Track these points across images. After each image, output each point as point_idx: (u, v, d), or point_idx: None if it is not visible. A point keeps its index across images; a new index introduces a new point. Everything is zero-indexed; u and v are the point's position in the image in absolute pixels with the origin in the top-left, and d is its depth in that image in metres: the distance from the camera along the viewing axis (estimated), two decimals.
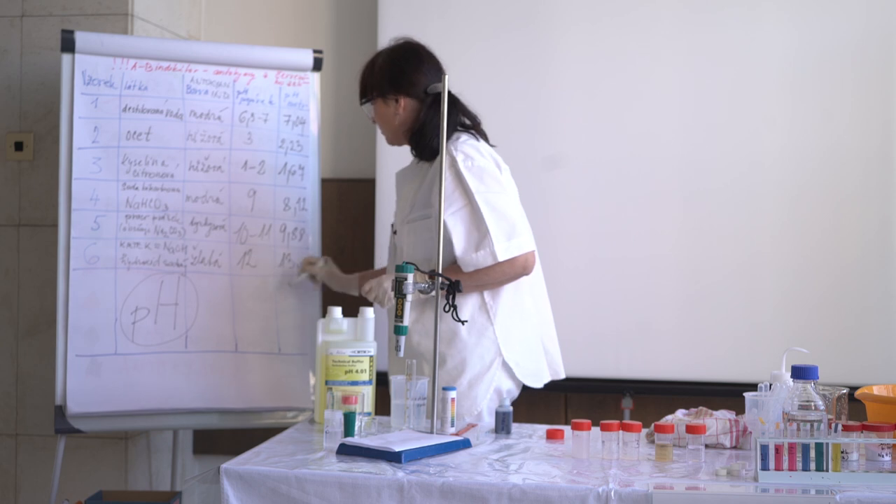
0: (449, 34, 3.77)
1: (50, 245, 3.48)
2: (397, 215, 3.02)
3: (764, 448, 2.08)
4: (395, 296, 2.54)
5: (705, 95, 3.66)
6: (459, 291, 2.57)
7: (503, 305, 2.83)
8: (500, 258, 2.74)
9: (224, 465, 2.17)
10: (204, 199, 3.41)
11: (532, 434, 2.59)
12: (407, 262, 2.56)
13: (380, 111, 2.95)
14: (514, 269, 2.78)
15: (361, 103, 2.99)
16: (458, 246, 2.75)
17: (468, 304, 2.81)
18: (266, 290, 3.42)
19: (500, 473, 2.16)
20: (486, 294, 2.82)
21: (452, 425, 2.54)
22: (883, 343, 3.55)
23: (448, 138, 2.78)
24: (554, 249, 3.69)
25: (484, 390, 2.79)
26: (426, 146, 2.87)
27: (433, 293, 2.57)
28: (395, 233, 3.00)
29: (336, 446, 2.32)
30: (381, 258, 3.74)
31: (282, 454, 2.30)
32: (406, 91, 2.90)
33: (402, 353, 2.55)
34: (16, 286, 3.66)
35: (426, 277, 2.63)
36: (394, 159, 3.78)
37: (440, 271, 2.59)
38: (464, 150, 2.81)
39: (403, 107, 2.91)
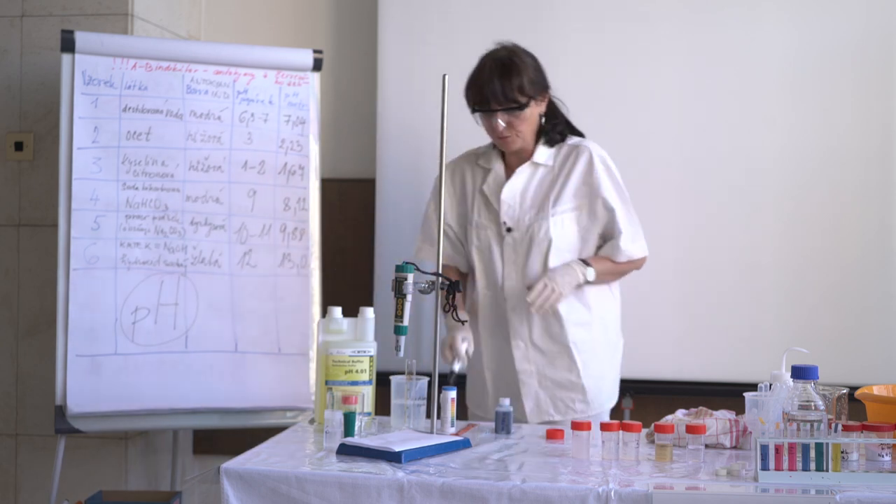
0: (449, 34, 3.76)
1: (50, 245, 3.48)
2: (513, 214, 2.98)
3: (764, 448, 2.08)
4: (395, 296, 2.54)
5: (705, 95, 3.66)
6: (459, 291, 2.58)
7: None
8: (646, 253, 3.06)
9: (224, 465, 2.17)
10: (204, 199, 3.41)
11: (532, 434, 2.59)
12: (407, 262, 2.56)
13: (530, 115, 2.95)
14: (638, 266, 3.08)
15: (515, 109, 2.92)
16: (624, 235, 2.96)
17: (605, 299, 3.04)
18: (266, 290, 3.42)
19: (500, 473, 2.16)
20: (614, 291, 3.09)
21: (452, 425, 2.55)
22: (883, 343, 3.55)
23: (563, 139, 3.03)
24: None
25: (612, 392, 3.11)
26: (557, 135, 3.03)
27: (433, 293, 2.57)
28: (509, 230, 2.97)
29: (336, 446, 2.32)
30: (382, 258, 3.74)
31: (282, 454, 2.30)
32: (546, 90, 3.01)
33: (402, 353, 2.55)
34: (16, 286, 3.66)
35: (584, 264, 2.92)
36: (394, 159, 3.79)
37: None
38: (599, 152, 3.02)
39: (545, 106, 3.01)
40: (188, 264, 3.39)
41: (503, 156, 3.05)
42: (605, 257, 2.99)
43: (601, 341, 3.04)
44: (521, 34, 3.72)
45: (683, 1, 3.68)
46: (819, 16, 3.62)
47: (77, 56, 3.31)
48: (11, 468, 3.68)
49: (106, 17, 3.61)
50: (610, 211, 2.97)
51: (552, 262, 2.93)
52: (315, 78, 3.58)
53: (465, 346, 2.89)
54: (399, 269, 2.54)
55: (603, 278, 2.99)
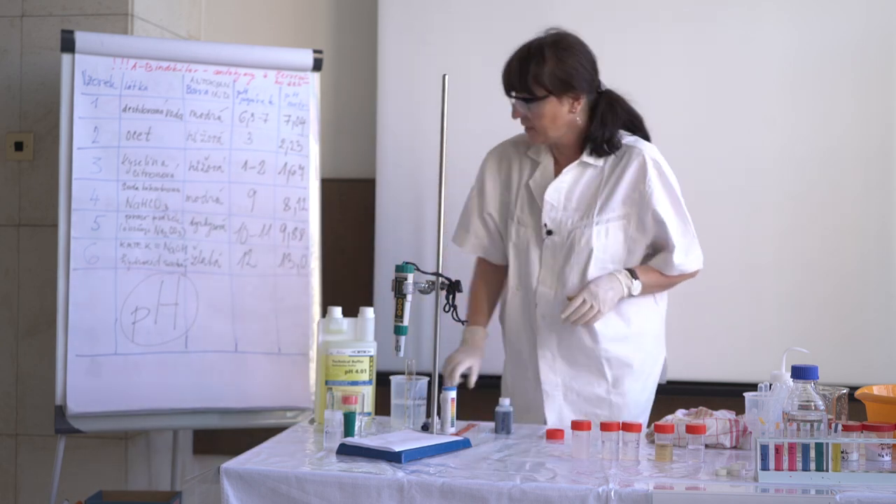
0: (449, 34, 3.76)
1: (50, 245, 3.48)
2: (556, 216, 2.81)
3: (764, 448, 2.08)
4: (395, 296, 2.54)
5: (705, 96, 3.66)
6: (460, 291, 2.57)
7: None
8: (701, 266, 2.93)
9: (224, 465, 2.17)
10: (204, 199, 3.41)
11: (532, 434, 2.59)
12: (407, 262, 2.56)
13: (550, 111, 2.75)
14: (692, 276, 2.94)
15: (525, 99, 2.76)
16: (677, 249, 2.82)
17: (648, 312, 2.89)
18: (266, 290, 3.42)
19: (500, 473, 2.16)
20: (660, 304, 2.94)
21: (452, 425, 2.55)
22: (883, 343, 3.55)
23: (611, 149, 2.82)
24: None
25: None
26: (604, 142, 2.81)
27: (433, 293, 2.57)
28: (549, 233, 2.80)
29: (336, 446, 2.32)
30: (382, 257, 3.73)
31: (282, 454, 2.30)
32: (575, 90, 2.78)
33: (402, 353, 2.55)
34: (16, 286, 3.66)
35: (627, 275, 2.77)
36: (394, 159, 3.79)
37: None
38: (654, 155, 2.83)
39: (580, 105, 2.79)
40: (188, 264, 3.38)
41: (552, 149, 2.88)
42: (654, 269, 2.82)
43: (638, 357, 2.86)
44: (521, 34, 3.72)
45: (683, 1, 3.68)
46: (819, 16, 3.62)
47: (77, 56, 3.31)
48: (11, 468, 3.68)
49: (106, 17, 3.61)
50: (661, 223, 2.79)
51: (591, 273, 2.76)
52: (315, 78, 3.58)
53: (460, 371, 2.76)
54: (399, 269, 2.54)
55: (649, 290, 2.83)
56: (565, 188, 2.82)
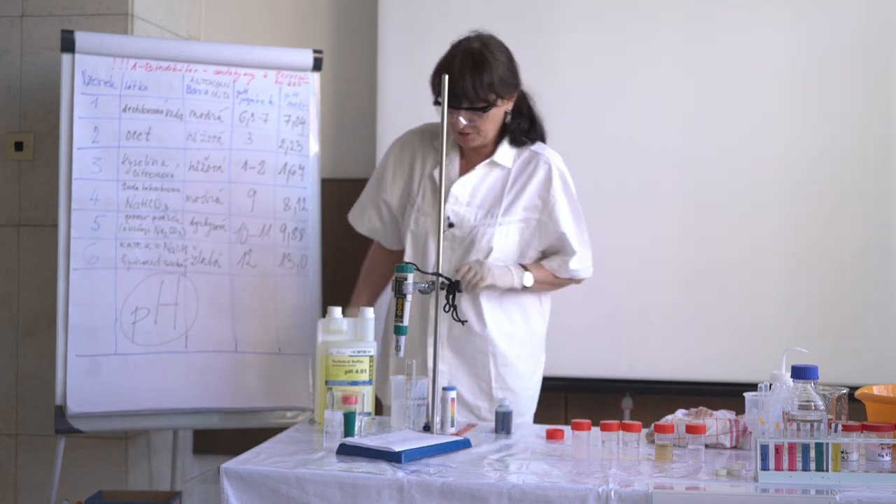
0: (449, 35, 3.73)
1: (50, 245, 3.48)
2: (459, 210, 2.86)
3: (764, 448, 2.08)
4: (395, 296, 2.54)
5: (705, 95, 3.66)
6: (460, 292, 2.57)
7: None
8: (591, 274, 3.00)
9: (224, 465, 2.17)
10: (204, 199, 3.41)
11: (532, 434, 2.59)
12: (407, 262, 2.56)
13: (495, 114, 2.80)
14: (578, 282, 3.02)
15: (481, 109, 2.77)
16: (576, 256, 2.91)
17: (534, 312, 2.96)
18: (266, 290, 3.42)
19: (500, 473, 2.16)
20: (544, 305, 3.01)
21: (452, 425, 2.55)
22: (883, 343, 3.55)
23: (528, 140, 2.89)
24: None
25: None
26: (522, 133, 2.90)
27: (433, 293, 2.57)
28: (451, 226, 2.85)
29: (336, 446, 2.32)
30: None
31: (282, 454, 2.30)
32: (517, 88, 2.86)
33: (401, 354, 2.55)
34: (16, 286, 3.66)
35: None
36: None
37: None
38: (559, 165, 2.92)
39: (511, 105, 2.86)
40: (188, 264, 3.38)
41: (458, 145, 2.92)
42: (546, 268, 2.91)
43: (522, 356, 2.94)
44: (521, 34, 3.73)
45: (684, 1, 3.68)
46: (819, 16, 3.62)
47: (77, 56, 3.31)
48: (11, 468, 3.68)
49: (106, 17, 3.61)
50: (562, 232, 2.88)
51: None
52: (315, 78, 3.58)
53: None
54: (399, 269, 2.54)
55: (538, 287, 2.91)
56: (472, 184, 2.88)
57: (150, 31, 3.73)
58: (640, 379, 3.67)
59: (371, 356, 2.67)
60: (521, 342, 2.93)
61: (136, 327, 3.31)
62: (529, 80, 3.70)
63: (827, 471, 2.07)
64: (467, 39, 2.84)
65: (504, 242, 2.86)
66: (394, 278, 2.54)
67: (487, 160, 2.88)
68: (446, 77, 2.66)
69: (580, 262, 2.92)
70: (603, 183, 3.68)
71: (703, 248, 3.65)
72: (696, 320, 3.63)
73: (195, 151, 3.41)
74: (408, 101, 3.75)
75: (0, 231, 3.67)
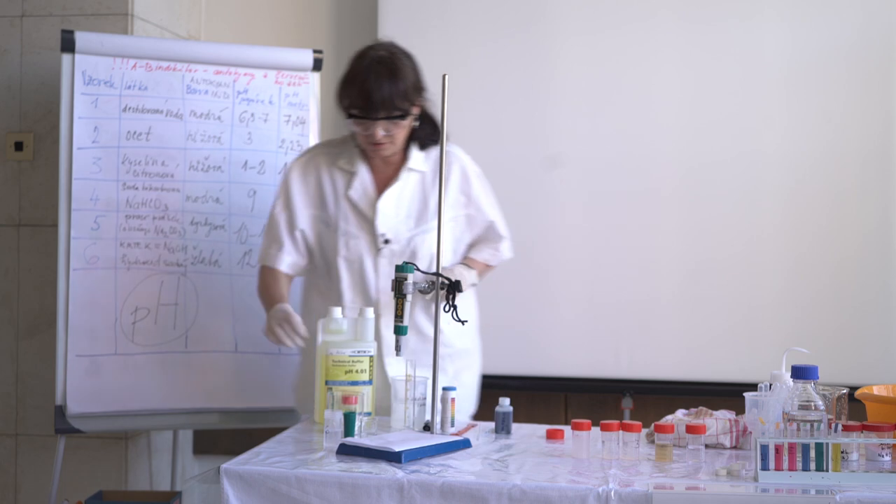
0: (449, 34, 3.77)
1: (50, 245, 3.48)
2: (392, 225, 2.80)
3: (764, 448, 2.08)
4: (395, 296, 2.53)
5: (704, 95, 3.66)
6: (460, 291, 2.57)
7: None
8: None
9: (224, 465, 2.17)
10: (204, 199, 3.42)
11: (532, 434, 2.59)
12: (407, 262, 2.56)
13: (406, 124, 2.75)
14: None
15: (399, 117, 2.71)
16: (505, 240, 2.93)
17: (471, 303, 2.94)
18: None
19: (500, 473, 2.16)
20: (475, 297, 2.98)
21: (452, 425, 2.55)
22: (883, 343, 3.56)
23: (434, 142, 2.82)
24: (554, 249, 3.70)
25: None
26: (428, 136, 2.83)
27: (432, 293, 2.57)
28: (387, 242, 2.79)
29: (336, 446, 2.31)
30: None
31: (282, 454, 2.30)
32: (425, 92, 2.80)
33: (401, 354, 2.55)
34: (16, 286, 3.66)
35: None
36: None
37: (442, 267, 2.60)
38: (468, 158, 2.90)
39: (419, 110, 2.80)
40: (188, 264, 3.39)
41: (364, 155, 2.83)
42: (477, 261, 2.90)
43: (472, 346, 2.96)
44: (521, 34, 3.74)
45: (683, 2, 3.68)
46: (818, 16, 3.62)
47: (77, 56, 3.31)
48: (11, 468, 3.68)
49: (106, 17, 3.62)
50: (490, 221, 2.89)
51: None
52: (315, 78, 3.58)
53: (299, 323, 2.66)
54: (399, 269, 2.54)
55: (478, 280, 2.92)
56: (397, 196, 2.81)
57: (150, 31, 3.73)
58: (640, 379, 3.67)
59: (371, 356, 2.67)
60: (468, 334, 2.92)
61: (136, 327, 3.31)
62: (528, 80, 3.72)
63: (827, 471, 2.07)
64: (371, 49, 2.75)
65: (441, 247, 2.75)
66: (394, 278, 2.54)
67: (405, 168, 2.81)
68: (446, 76, 2.66)
69: (508, 246, 2.94)
70: (602, 183, 3.69)
71: (702, 249, 3.65)
72: (696, 320, 3.63)
73: (195, 151, 3.42)
74: None
75: (0, 231, 3.67)
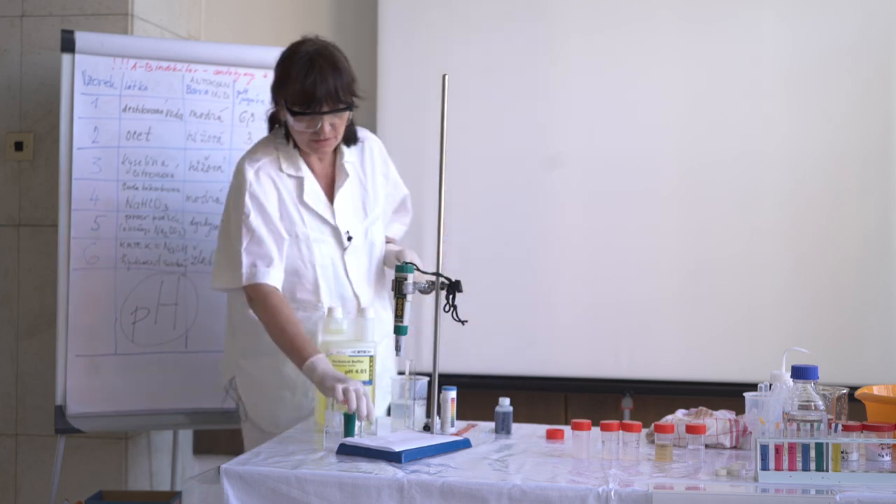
0: (449, 34, 3.77)
1: (50, 245, 3.48)
2: (350, 221, 2.77)
3: (764, 448, 2.08)
4: (395, 296, 2.53)
5: (704, 95, 3.66)
6: (460, 291, 2.57)
7: None
8: None
9: (224, 465, 2.17)
10: (204, 199, 3.42)
11: (532, 434, 2.59)
12: (407, 262, 2.56)
13: (345, 117, 2.71)
14: None
15: (332, 111, 2.65)
16: (410, 213, 3.01)
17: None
18: None
19: (500, 473, 2.16)
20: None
21: (452, 425, 2.55)
22: (883, 343, 3.55)
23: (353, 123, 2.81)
24: (554, 249, 3.70)
25: None
26: (351, 132, 2.80)
27: (433, 293, 2.57)
28: (350, 239, 2.76)
29: (336, 446, 2.31)
30: None
31: (282, 454, 2.30)
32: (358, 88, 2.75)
33: (401, 354, 2.55)
34: (16, 286, 3.66)
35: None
36: (394, 159, 3.77)
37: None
38: (374, 136, 2.95)
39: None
40: (188, 264, 3.39)
41: (302, 156, 2.76)
42: (391, 240, 2.95)
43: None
44: (521, 34, 3.74)
45: (683, 1, 3.68)
46: (818, 16, 3.62)
47: (77, 56, 3.31)
48: (11, 468, 3.68)
49: (106, 17, 3.61)
50: (406, 194, 2.96)
51: (380, 264, 2.86)
52: None
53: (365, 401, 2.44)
54: (399, 269, 2.54)
55: None
56: (349, 192, 2.79)
57: (150, 31, 3.73)
58: (640, 379, 3.67)
59: (371, 356, 2.67)
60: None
61: (136, 327, 3.31)
62: (529, 80, 3.73)
63: (827, 471, 2.07)
64: (301, 45, 2.68)
65: (383, 231, 2.89)
66: (394, 278, 2.54)
67: (343, 163, 2.78)
68: (446, 76, 2.66)
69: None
70: (602, 183, 3.69)
71: (703, 249, 3.65)
72: (696, 320, 3.63)
73: (195, 151, 3.42)
74: (408, 100, 3.75)
75: (0, 231, 3.67)
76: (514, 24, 3.74)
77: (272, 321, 2.62)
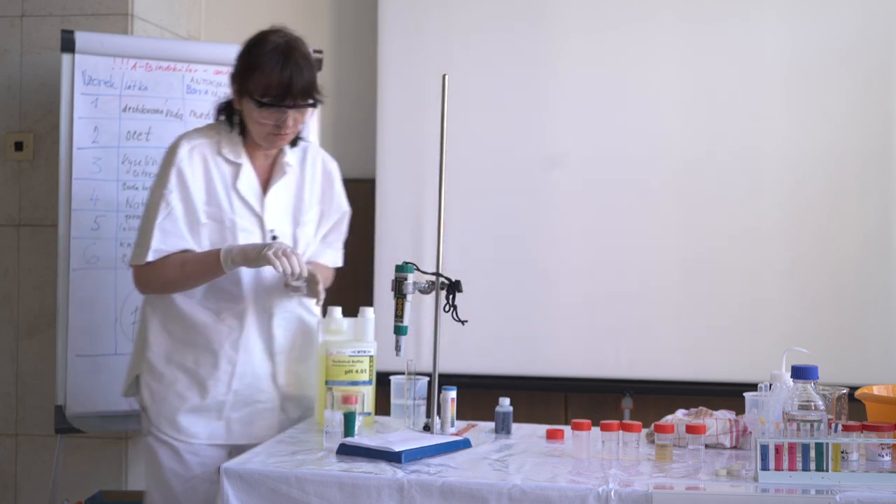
0: (449, 34, 3.77)
1: (50, 245, 3.48)
2: (278, 220, 2.65)
3: (764, 448, 2.08)
4: (395, 296, 2.53)
5: (705, 94, 3.66)
6: (460, 291, 2.57)
7: None
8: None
9: (224, 465, 2.17)
10: None
11: (532, 434, 2.59)
12: (407, 262, 2.56)
13: (307, 113, 2.62)
14: None
15: (303, 106, 2.57)
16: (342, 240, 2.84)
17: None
18: None
19: (500, 473, 2.16)
20: None
21: (452, 425, 2.55)
22: (883, 343, 3.56)
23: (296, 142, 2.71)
24: (554, 249, 3.70)
25: None
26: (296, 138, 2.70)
27: (433, 293, 2.57)
28: (274, 238, 2.63)
29: (336, 446, 2.31)
30: (382, 257, 3.74)
31: (282, 454, 2.30)
32: None
33: (401, 354, 2.55)
34: (16, 286, 3.66)
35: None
36: (394, 159, 3.79)
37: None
38: (322, 150, 2.82)
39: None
40: None
41: (246, 145, 2.64)
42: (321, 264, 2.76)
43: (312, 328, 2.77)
44: (521, 34, 3.74)
45: (683, 1, 3.68)
46: (818, 16, 3.63)
47: (77, 56, 3.31)
48: (11, 468, 3.68)
49: (106, 17, 3.61)
50: (345, 211, 2.79)
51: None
52: None
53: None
54: (399, 269, 2.54)
55: None
56: (282, 190, 2.68)
57: (150, 31, 3.73)
58: (640, 379, 3.67)
59: (371, 356, 2.67)
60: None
61: (136, 327, 3.31)
62: (528, 79, 3.72)
63: (827, 471, 2.07)
64: (272, 34, 2.63)
65: (310, 241, 2.74)
66: (394, 278, 2.53)
67: (284, 163, 2.67)
68: (446, 76, 2.66)
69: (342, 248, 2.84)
70: (602, 183, 3.69)
71: (703, 249, 3.65)
72: (696, 320, 3.64)
73: None
74: (408, 100, 3.76)
75: (0, 231, 3.67)
76: (514, 24, 3.74)
77: (173, 265, 2.53)
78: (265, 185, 2.67)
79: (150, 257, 2.52)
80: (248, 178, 2.63)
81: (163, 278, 2.56)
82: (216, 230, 2.59)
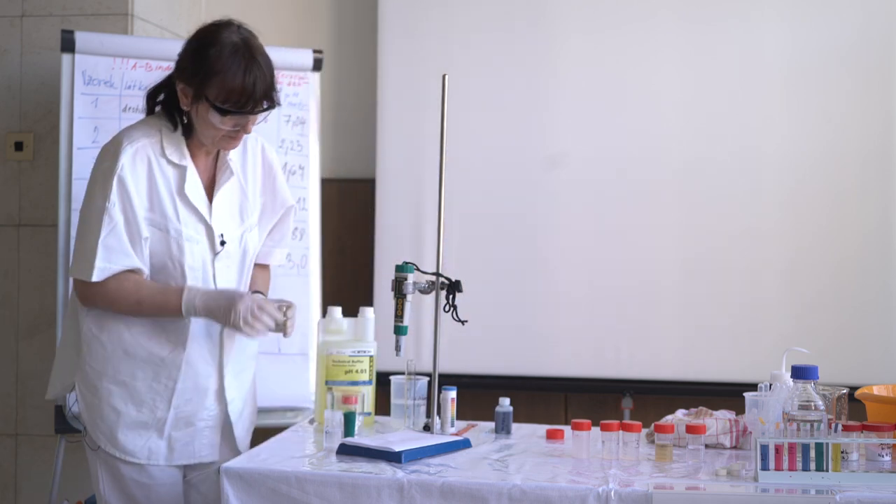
0: (449, 34, 3.77)
1: (50, 245, 3.48)
2: (226, 224, 2.51)
3: (764, 448, 2.08)
4: (395, 296, 2.53)
5: (705, 95, 3.66)
6: (460, 291, 2.57)
7: None
8: None
9: (224, 465, 2.17)
10: None
11: (532, 434, 2.59)
12: (407, 262, 2.56)
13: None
14: None
15: (265, 109, 2.43)
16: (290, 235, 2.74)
17: None
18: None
19: (500, 473, 2.16)
20: None
21: (452, 425, 2.55)
22: (883, 343, 3.56)
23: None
24: (554, 249, 3.70)
25: None
26: None
27: (433, 293, 2.57)
28: (223, 243, 2.49)
29: (336, 446, 2.32)
30: (382, 257, 3.73)
31: (282, 454, 2.30)
32: None
33: (401, 354, 2.55)
34: (16, 286, 3.66)
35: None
36: (394, 159, 3.79)
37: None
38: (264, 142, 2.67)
39: None
40: None
41: (189, 147, 2.48)
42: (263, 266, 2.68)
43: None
44: (521, 34, 3.74)
45: (683, 1, 3.68)
46: (818, 16, 3.63)
47: (77, 56, 3.31)
48: (11, 468, 3.68)
49: (106, 17, 3.61)
50: (289, 207, 2.65)
51: (248, 275, 2.58)
52: (315, 78, 3.58)
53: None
54: (399, 269, 2.54)
55: None
56: (229, 192, 2.53)
57: (150, 31, 3.73)
58: (640, 379, 3.67)
59: (371, 356, 2.67)
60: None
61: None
62: (528, 79, 3.72)
63: (827, 471, 2.07)
64: (224, 30, 2.47)
65: (258, 242, 2.62)
66: (394, 278, 2.53)
67: (228, 164, 2.52)
68: (446, 76, 2.66)
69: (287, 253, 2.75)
70: (602, 183, 3.69)
71: (703, 249, 3.65)
72: (696, 320, 3.64)
73: None
74: (408, 100, 3.76)
75: (0, 231, 3.67)
76: (513, 24, 3.74)
77: (126, 300, 2.40)
78: (209, 187, 2.51)
79: (96, 277, 2.36)
80: (195, 183, 2.46)
81: (111, 304, 2.41)
82: (161, 239, 2.42)
